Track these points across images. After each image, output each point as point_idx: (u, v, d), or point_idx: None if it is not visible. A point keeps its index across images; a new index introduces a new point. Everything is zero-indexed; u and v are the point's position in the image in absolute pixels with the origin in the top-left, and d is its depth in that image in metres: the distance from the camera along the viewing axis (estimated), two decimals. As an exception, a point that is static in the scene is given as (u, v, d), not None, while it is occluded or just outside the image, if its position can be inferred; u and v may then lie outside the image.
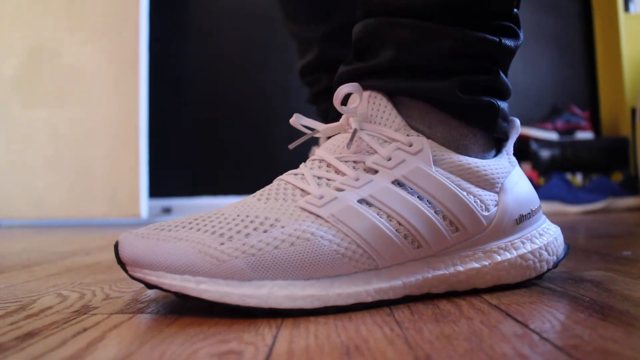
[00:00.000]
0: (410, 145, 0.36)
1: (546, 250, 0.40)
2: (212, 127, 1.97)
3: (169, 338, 0.28)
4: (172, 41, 1.98)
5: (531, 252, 0.39)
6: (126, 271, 0.33)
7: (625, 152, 1.69)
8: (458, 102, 0.38)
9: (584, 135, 1.78)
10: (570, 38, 1.98)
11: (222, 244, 0.32)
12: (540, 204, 0.42)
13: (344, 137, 0.38)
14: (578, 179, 1.69)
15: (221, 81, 1.97)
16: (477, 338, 0.26)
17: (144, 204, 1.67)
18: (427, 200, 0.36)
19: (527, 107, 1.95)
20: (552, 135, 1.76)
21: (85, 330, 0.29)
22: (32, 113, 1.70)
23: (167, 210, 1.88)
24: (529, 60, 1.97)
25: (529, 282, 0.39)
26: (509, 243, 0.38)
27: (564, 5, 1.98)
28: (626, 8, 1.81)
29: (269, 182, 0.40)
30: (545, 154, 1.71)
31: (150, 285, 0.32)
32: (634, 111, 1.69)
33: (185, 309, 0.34)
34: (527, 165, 1.79)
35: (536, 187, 1.59)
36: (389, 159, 0.36)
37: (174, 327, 0.30)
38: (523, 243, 0.39)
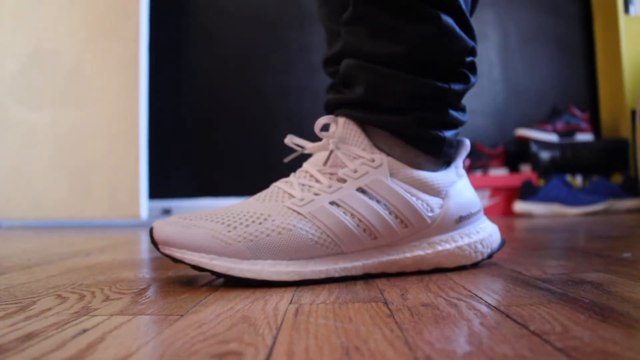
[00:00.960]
0: (373, 161, 0.46)
1: (481, 244, 0.50)
2: (211, 129, 1.97)
3: (169, 339, 0.28)
4: (172, 42, 1.98)
5: (467, 245, 0.49)
6: (158, 249, 0.43)
7: (625, 153, 1.69)
8: (411, 134, 0.48)
9: (584, 136, 1.78)
10: (571, 39, 1.98)
11: (229, 231, 0.43)
12: (481, 207, 0.52)
13: (324, 155, 0.48)
14: (578, 180, 1.69)
15: (221, 82, 1.97)
16: (477, 339, 0.26)
17: (144, 205, 1.67)
18: (383, 204, 0.46)
19: (527, 108, 1.95)
20: (552, 137, 1.77)
21: (85, 331, 0.29)
22: (32, 113, 1.70)
23: (167, 212, 1.88)
24: (529, 61, 1.97)
25: (465, 267, 0.50)
26: (450, 237, 0.49)
27: (564, 6, 1.98)
28: (626, 10, 1.81)
29: (268, 182, 0.51)
30: (545, 155, 1.71)
31: (175, 260, 0.43)
32: (634, 113, 1.69)
33: (185, 310, 0.34)
34: (527, 167, 1.80)
35: (536, 188, 1.59)
36: (355, 171, 0.46)
37: (174, 328, 0.30)
38: (461, 237, 0.49)
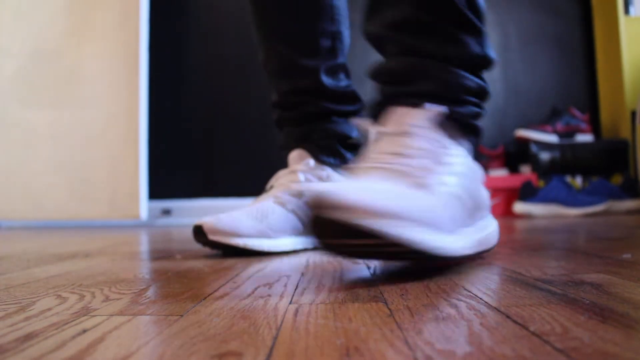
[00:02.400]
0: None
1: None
2: (211, 129, 1.97)
3: (168, 339, 0.28)
4: (172, 42, 1.98)
5: None
6: (206, 237, 0.65)
7: (625, 154, 1.69)
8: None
9: (584, 137, 1.78)
10: (571, 40, 1.98)
11: (261, 222, 0.67)
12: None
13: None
14: (578, 181, 1.69)
15: (221, 82, 1.97)
16: (477, 340, 0.26)
17: (144, 206, 1.67)
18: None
19: (527, 109, 1.95)
20: (552, 138, 1.77)
21: (85, 331, 0.29)
22: (33, 114, 1.70)
23: (166, 212, 1.88)
24: (529, 61, 1.97)
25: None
26: None
27: (565, 7, 1.98)
28: (626, 11, 1.81)
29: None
30: (545, 156, 1.72)
31: (216, 245, 0.66)
32: (633, 114, 1.69)
33: (185, 310, 0.34)
34: (527, 168, 1.80)
35: (536, 189, 1.59)
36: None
37: (173, 329, 0.30)
38: None
